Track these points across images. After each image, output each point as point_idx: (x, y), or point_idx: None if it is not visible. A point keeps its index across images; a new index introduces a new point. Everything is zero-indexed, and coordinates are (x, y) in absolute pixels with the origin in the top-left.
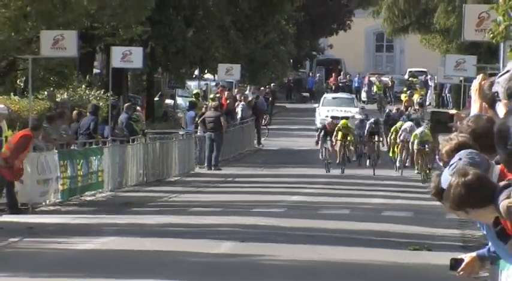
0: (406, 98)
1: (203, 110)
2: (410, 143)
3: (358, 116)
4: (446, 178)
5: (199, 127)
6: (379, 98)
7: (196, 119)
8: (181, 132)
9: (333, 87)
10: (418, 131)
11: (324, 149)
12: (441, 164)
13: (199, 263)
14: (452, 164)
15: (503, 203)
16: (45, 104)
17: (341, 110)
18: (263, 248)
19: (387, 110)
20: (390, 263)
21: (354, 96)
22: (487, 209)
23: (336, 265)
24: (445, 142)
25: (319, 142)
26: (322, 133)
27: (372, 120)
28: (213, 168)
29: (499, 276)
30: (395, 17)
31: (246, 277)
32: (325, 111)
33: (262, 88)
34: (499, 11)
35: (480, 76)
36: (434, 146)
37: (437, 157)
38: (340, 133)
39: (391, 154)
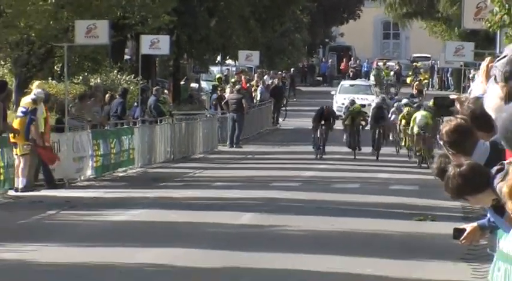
0: (417, 82)
1: (223, 92)
2: (410, 128)
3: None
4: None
5: (218, 108)
6: (388, 82)
7: (214, 102)
8: (205, 114)
9: (351, 74)
10: (417, 115)
11: (316, 133)
12: (441, 143)
13: (223, 233)
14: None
15: (499, 185)
16: (80, 88)
17: (358, 98)
18: (281, 219)
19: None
20: (398, 232)
21: (371, 83)
22: (485, 194)
23: (347, 234)
24: (446, 123)
25: (313, 126)
26: (318, 118)
27: (374, 104)
28: (234, 146)
29: (497, 243)
30: (399, 4)
31: (265, 245)
32: (341, 98)
33: (279, 73)
34: (494, 1)
35: (488, 59)
36: (435, 130)
37: (438, 136)
38: (349, 117)
39: (403, 143)
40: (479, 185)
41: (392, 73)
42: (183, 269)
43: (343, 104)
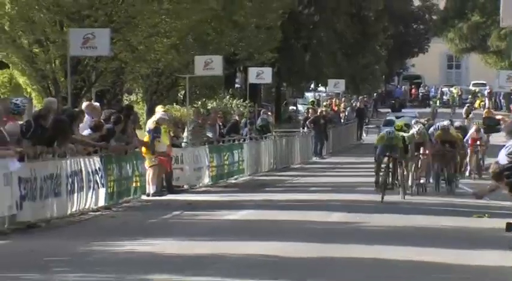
0: (466, 107)
1: (309, 114)
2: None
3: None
4: (503, 156)
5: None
6: (453, 104)
7: (307, 122)
8: (301, 131)
9: (420, 98)
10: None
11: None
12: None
13: (317, 228)
14: (507, 147)
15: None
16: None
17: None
18: (364, 217)
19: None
20: (459, 227)
21: (417, 115)
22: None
23: (419, 229)
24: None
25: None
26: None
27: (415, 129)
28: (318, 157)
29: None
30: (459, 41)
31: (353, 239)
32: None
33: (361, 97)
34: None
35: None
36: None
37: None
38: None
39: None
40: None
41: (457, 98)
42: (285, 259)
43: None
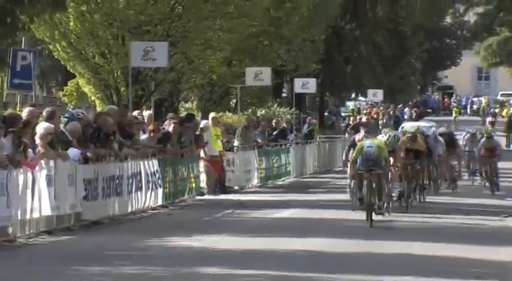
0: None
1: (350, 121)
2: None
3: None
4: None
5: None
6: (483, 113)
7: (348, 129)
8: (343, 137)
9: (455, 106)
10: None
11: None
12: None
13: (357, 226)
14: None
15: None
16: (249, 118)
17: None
18: (402, 216)
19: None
20: (489, 225)
21: (433, 124)
22: None
23: (453, 227)
24: None
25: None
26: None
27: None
28: None
29: None
30: (489, 55)
31: (391, 235)
32: None
33: (399, 106)
34: None
35: None
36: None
37: None
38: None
39: None
40: None
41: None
42: (328, 254)
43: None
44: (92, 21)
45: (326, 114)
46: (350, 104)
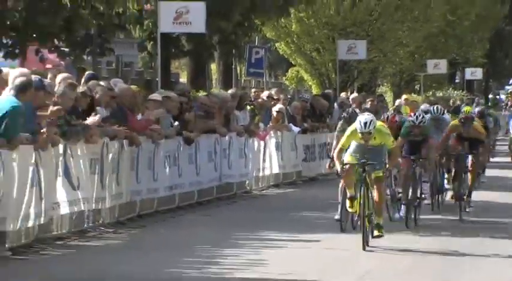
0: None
1: (508, 101)
2: None
3: None
4: None
5: None
6: None
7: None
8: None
9: None
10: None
11: None
12: None
13: (442, 225)
14: None
15: None
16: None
17: None
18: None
19: None
20: None
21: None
22: None
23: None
24: None
25: None
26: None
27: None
28: None
29: None
30: None
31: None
32: None
33: None
34: None
35: None
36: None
37: None
38: None
39: None
40: None
41: None
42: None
43: None
44: (309, 24)
45: (490, 96)
46: (508, 88)
